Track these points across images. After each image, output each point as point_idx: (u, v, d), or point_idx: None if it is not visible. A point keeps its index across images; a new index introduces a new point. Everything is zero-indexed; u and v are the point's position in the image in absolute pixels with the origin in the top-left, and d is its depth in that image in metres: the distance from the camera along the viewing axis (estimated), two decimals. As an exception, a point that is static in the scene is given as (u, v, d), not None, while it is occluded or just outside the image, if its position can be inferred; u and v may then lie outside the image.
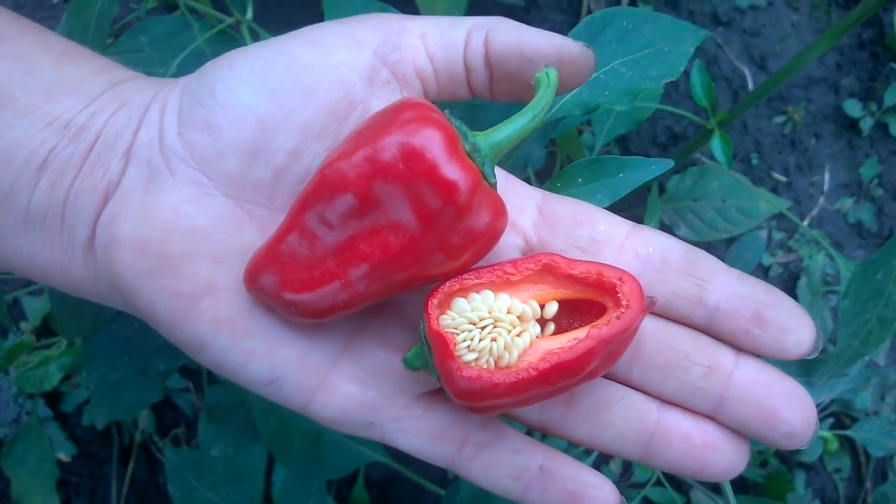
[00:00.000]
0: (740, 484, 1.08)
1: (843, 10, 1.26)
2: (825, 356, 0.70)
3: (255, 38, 0.65)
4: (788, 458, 1.10)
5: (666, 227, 0.92)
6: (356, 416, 0.38)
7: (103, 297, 0.39)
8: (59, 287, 0.40)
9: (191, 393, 1.18)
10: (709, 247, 1.15)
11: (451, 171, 0.33)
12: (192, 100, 0.37)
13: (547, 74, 0.37)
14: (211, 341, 0.37)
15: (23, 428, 0.99)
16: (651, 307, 0.36)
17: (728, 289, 0.38)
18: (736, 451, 0.38)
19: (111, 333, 0.55)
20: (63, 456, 1.18)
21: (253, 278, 0.36)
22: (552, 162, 1.11)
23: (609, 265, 0.37)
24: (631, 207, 1.07)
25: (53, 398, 1.18)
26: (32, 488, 1.00)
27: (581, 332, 0.35)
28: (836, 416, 1.10)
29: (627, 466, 1.10)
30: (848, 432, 1.04)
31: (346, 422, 0.39)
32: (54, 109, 0.37)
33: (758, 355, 0.38)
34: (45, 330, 1.20)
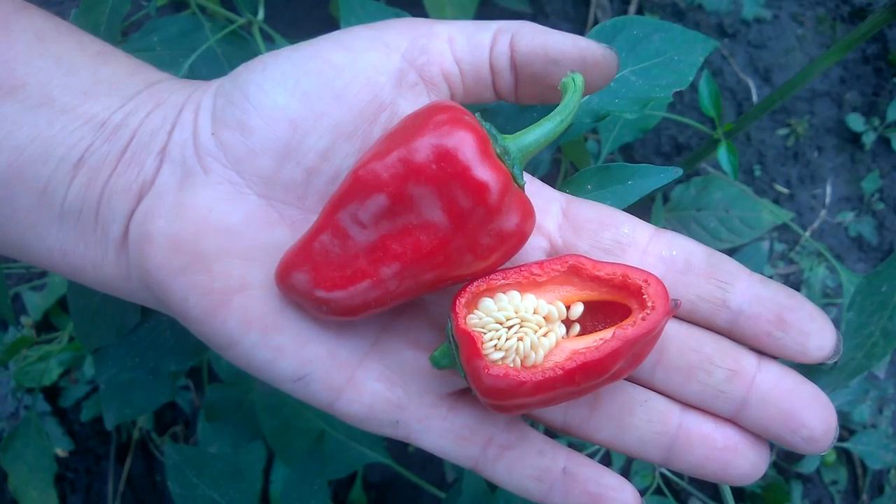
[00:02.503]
0: (737, 495, 1.08)
1: (848, 25, 1.27)
2: (827, 368, 0.70)
3: (267, 38, 0.65)
4: (786, 470, 1.10)
5: (669, 236, 0.92)
6: (382, 414, 0.39)
7: (134, 295, 0.40)
8: (91, 284, 0.40)
9: (190, 391, 1.18)
10: (710, 257, 1.16)
11: (483, 172, 0.34)
12: (226, 101, 0.38)
13: (573, 80, 0.38)
14: (241, 338, 0.37)
15: (22, 422, 0.99)
16: (675, 309, 0.36)
17: (751, 292, 0.38)
18: (757, 454, 0.39)
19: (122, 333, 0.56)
20: (60, 451, 1.17)
21: (284, 276, 0.37)
22: (556, 169, 1.12)
23: (634, 267, 0.37)
24: (635, 215, 1.07)
25: (52, 393, 1.18)
26: (30, 483, 0.99)
27: (607, 333, 0.36)
28: (834, 428, 1.10)
29: (625, 474, 1.10)
30: (846, 444, 1.04)
31: (373, 420, 0.39)
32: (92, 108, 0.38)
33: (780, 358, 0.39)
34: (46, 325, 1.20)
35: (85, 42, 0.40)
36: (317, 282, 0.36)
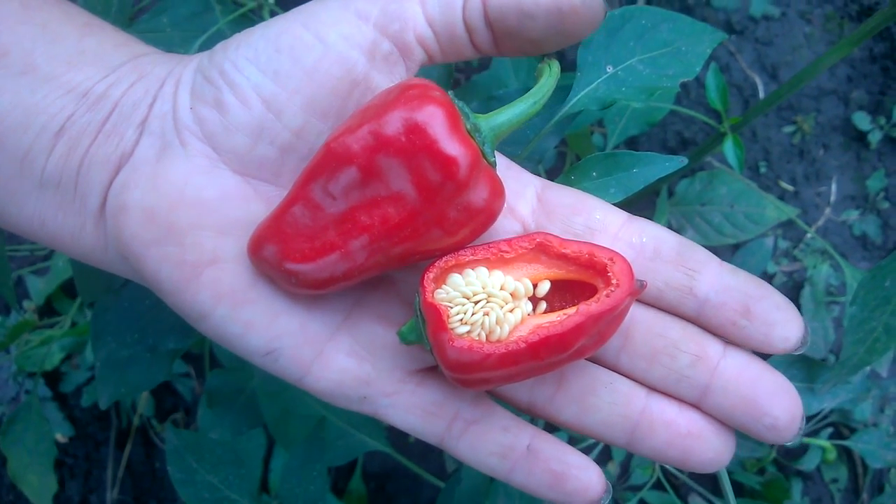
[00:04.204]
0: (737, 491, 1.08)
1: (856, 24, 1.26)
2: (829, 364, 0.70)
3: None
4: (786, 467, 1.10)
5: (674, 230, 0.92)
6: (350, 389, 0.39)
7: (111, 265, 0.40)
8: (69, 253, 0.40)
9: (191, 378, 1.18)
10: (715, 252, 1.15)
11: (451, 146, 0.34)
12: (203, 77, 0.37)
13: (549, 66, 0.38)
14: (211, 311, 0.37)
15: (22, 406, 0.99)
16: (641, 290, 0.36)
17: (718, 281, 0.38)
18: (721, 442, 0.39)
19: (122, 309, 0.55)
20: (60, 437, 1.18)
21: (256, 248, 0.37)
22: (562, 162, 1.12)
23: (601, 246, 0.37)
24: (640, 210, 1.07)
25: (53, 378, 1.18)
26: (29, 467, 1.00)
27: (571, 310, 0.36)
28: (835, 426, 1.10)
29: (626, 468, 1.10)
30: (846, 443, 1.04)
31: (340, 395, 0.39)
32: (75, 78, 0.38)
33: (745, 348, 0.38)
34: (48, 309, 1.20)
35: (71, 12, 0.40)
36: (286, 254, 0.36)
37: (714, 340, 0.39)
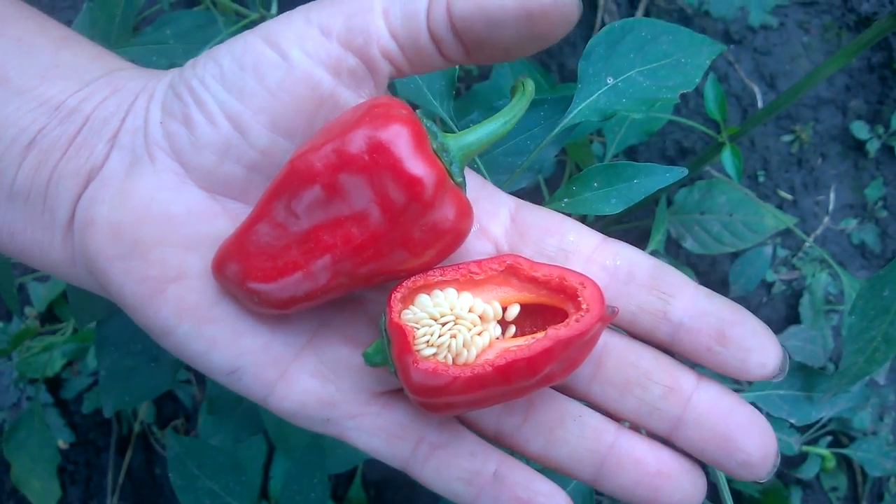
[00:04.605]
0: (736, 499, 1.08)
1: (854, 34, 1.27)
2: (828, 373, 0.70)
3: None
4: (785, 475, 1.10)
5: (673, 240, 0.93)
6: (313, 411, 0.38)
7: (79, 280, 0.40)
8: (38, 266, 0.40)
9: (192, 385, 1.19)
10: (714, 261, 1.16)
11: (416, 165, 0.33)
12: (174, 93, 0.37)
13: (523, 84, 0.38)
14: (175, 328, 0.37)
15: (25, 413, 0.99)
16: (612, 316, 0.35)
17: (693, 305, 0.37)
18: (691, 482, 0.37)
19: (125, 320, 0.56)
20: (61, 443, 1.18)
21: (220, 266, 0.36)
22: (561, 170, 1.12)
23: (572, 270, 0.37)
24: (639, 219, 1.08)
25: (54, 385, 1.19)
26: (32, 473, 1.00)
27: (540, 335, 0.35)
28: (835, 434, 1.11)
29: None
30: (846, 451, 1.04)
31: (303, 416, 0.38)
32: (48, 91, 0.37)
33: (721, 375, 0.37)
34: (50, 316, 1.20)
35: (47, 26, 0.40)
36: (249, 273, 0.36)
37: (687, 372, 0.38)
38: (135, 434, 1.18)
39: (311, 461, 0.66)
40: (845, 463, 1.12)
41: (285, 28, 0.37)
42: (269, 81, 0.36)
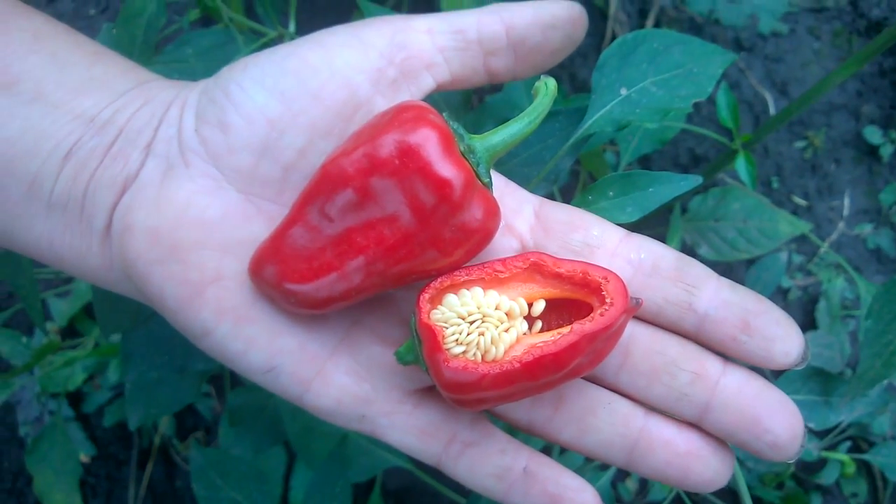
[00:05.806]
0: (755, 506, 1.08)
1: (865, 39, 1.27)
2: (846, 377, 0.70)
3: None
4: (805, 481, 1.10)
5: (688, 247, 0.93)
6: (349, 408, 0.39)
7: (116, 285, 0.41)
8: (76, 274, 0.41)
9: (212, 398, 1.20)
10: (729, 267, 1.16)
11: (445, 168, 0.35)
12: (208, 99, 0.39)
13: (546, 84, 0.39)
14: (214, 328, 0.38)
15: (48, 426, 1.00)
16: (636, 308, 0.36)
17: (717, 296, 0.38)
18: (720, 461, 0.38)
19: (151, 332, 0.57)
20: (83, 456, 1.19)
21: (256, 269, 0.38)
22: (575, 179, 1.13)
23: (595, 265, 0.37)
24: (654, 226, 1.08)
25: (75, 399, 1.20)
26: (55, 486, 1.01)
27: (566, 329, 0.36)
28: (854, 439, 1.10)
29: (644, 484, 1.10)
30: (865, 456, 1.04)
31: (340, 414, 0.39)
32: (82, 104, 0.39)
33: (745, 364, 0.38)
34: (71, 331, 1.22)
35: (80, 42, 0.41)
36: (285, 275, 0.37)
37: (713, 358, 0.39)
38: (155, 447, 1.19)
39: (334, 470, 0.67)
40: (865, 468, 1.11)
41: (330, 38, 0.39)
42: (311, 85, 0.38)
